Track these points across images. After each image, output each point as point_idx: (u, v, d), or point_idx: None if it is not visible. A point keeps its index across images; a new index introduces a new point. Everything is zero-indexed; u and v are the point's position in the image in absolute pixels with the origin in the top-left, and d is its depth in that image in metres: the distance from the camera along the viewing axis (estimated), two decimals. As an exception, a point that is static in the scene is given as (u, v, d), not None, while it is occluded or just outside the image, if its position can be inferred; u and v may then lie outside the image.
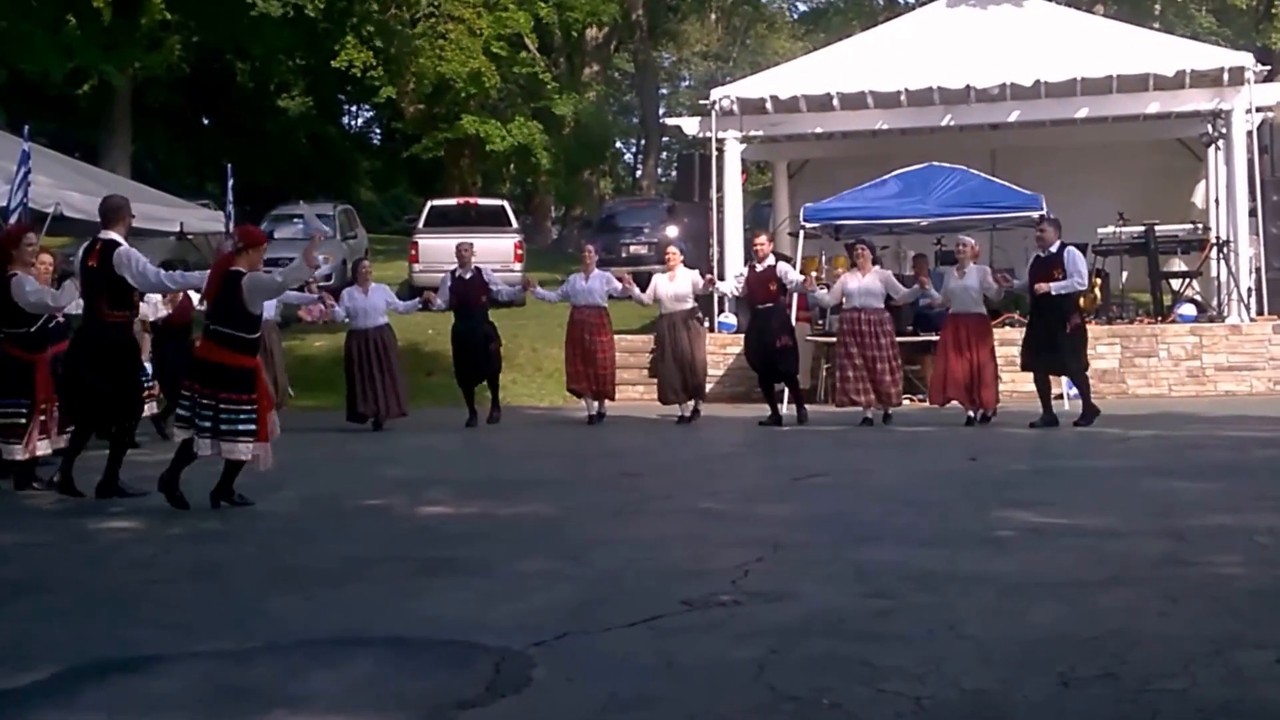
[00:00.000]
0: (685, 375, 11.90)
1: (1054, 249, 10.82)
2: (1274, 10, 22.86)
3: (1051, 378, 11.07)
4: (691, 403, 12.13)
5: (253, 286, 6.67)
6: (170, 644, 3.88)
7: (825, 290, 12.40)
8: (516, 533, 5.99)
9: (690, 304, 12.13)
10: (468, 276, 12.40)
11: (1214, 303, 15.38)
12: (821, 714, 3.07)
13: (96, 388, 7.01)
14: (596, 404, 12.34)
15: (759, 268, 11.77)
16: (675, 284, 12.00)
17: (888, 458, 9.08)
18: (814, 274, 12.92)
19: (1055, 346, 10.68)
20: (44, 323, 7.81)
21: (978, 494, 6.86)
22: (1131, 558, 4.92)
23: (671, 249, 12.71)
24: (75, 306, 9.67)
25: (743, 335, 12.96)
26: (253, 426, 6.58)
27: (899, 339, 11.82)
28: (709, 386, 13.11)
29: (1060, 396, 13.29)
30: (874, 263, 11.65)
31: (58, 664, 3.65)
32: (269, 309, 11.44)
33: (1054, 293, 10.57)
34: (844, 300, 11.58)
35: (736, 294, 12.61)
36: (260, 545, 5.80)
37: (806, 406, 11.86)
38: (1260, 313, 14.76)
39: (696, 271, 12.64)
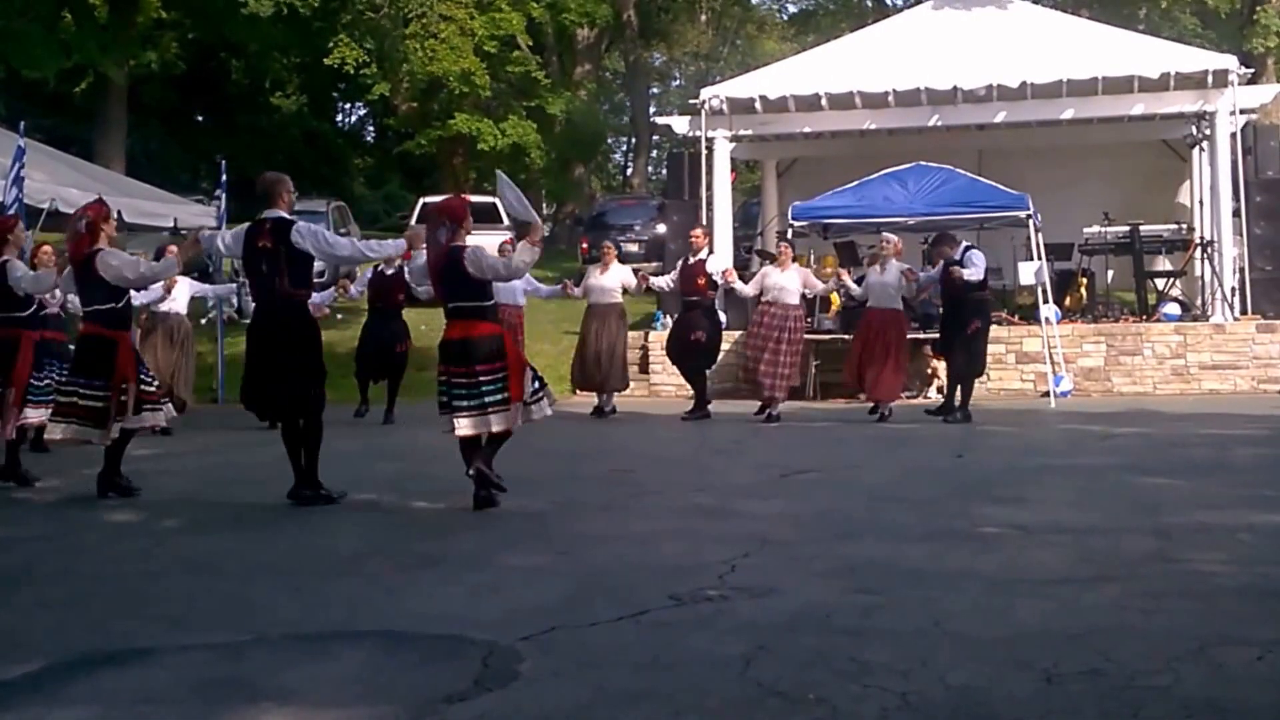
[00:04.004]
0: (603, 367, 12.02)
1: (957, 255, 11.14)
2: (1256, 15, 22.97)
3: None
4: (608, 396, 12.26)
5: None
6: (161, 637, 3.89)
7: (743, 283, 12.55)
8: (505, 527, 5.99)
9: (617, 298, 12.29)
10: (389, 273, 11.99)
11: (1198, 302, 15.48)
12: (808, 709, 3.08)
13: (285, 374, 6.61)
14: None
15: (691, 260, 11.87)
16: (604, 278, 12.22)
17: (875, 455, 9.11)
18: (731, 267, 13.12)
19: (951, 346, 11.37)
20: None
21: (964, 491, 6.90)
22: (1116, 555, 4.95)
23: (607, 244, 12.91)
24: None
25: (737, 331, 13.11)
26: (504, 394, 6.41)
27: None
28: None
29: (1046, 394, 13.41)
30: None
31: (48, 656, 3.65)
32: (183, 303, 11.55)
33: (966, 278, 10.82)
34: (763, 293, 11.83)
35: (672, 288, 12.61)
36: (250, 539, 5.80)
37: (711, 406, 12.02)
38: (1244, 312, 14.85)
39: (629, 269, 12.85)
